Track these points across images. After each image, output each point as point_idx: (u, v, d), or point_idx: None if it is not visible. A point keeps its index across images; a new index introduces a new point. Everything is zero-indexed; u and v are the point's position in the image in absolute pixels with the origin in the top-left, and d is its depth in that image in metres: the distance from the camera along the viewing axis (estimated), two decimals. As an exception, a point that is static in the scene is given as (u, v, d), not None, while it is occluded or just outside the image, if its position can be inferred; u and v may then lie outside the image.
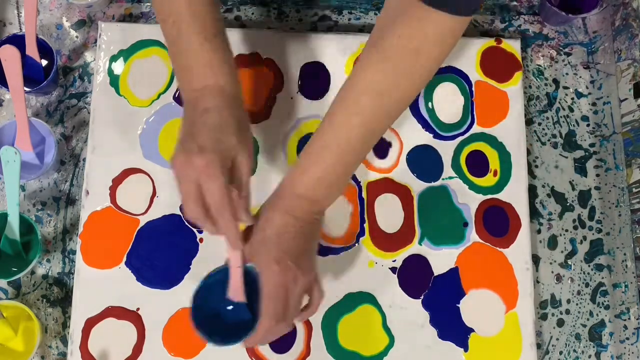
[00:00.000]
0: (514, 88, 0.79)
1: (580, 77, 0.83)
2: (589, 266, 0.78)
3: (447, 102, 0.79)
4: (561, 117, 0.82)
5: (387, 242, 0.74)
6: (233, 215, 0.57)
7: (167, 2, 0.61)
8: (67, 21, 0.82)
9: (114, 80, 0.77)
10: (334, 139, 0.61)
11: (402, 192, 0.76)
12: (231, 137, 0.58)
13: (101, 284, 0.72)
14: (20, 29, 0.82)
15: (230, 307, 0.61)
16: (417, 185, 0.76)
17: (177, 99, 0.77)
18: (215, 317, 0.61)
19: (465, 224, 0.75)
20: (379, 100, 0.60)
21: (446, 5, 0.56)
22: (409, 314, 0.73)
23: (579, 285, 0.77)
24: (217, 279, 0.61)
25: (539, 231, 0.78)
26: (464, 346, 0.72)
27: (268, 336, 0.60)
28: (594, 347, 0.76)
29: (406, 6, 0.57)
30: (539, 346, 0.75)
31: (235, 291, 0.60)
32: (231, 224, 0.57)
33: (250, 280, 0.60)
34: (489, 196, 0.76)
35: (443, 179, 0.77)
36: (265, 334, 0.59)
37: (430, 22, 0.57)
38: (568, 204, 0.80)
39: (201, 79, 0.60)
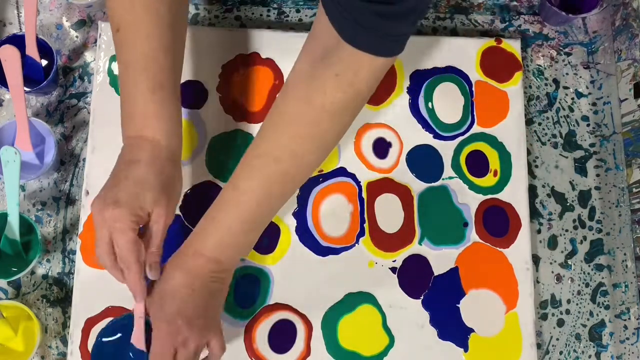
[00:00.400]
0: (514, 88, 0.79)
1: (580, 77, 0.83)
2: (589, 266, 0.78)
3: (447, 102, 0.79)
4: (561, 117, 0.82)
5: (387, 242, 0.74)
6: (139, 269, 0.58)
7: (125, 43, 0.61)
8: (67, 21, 0.82)
9: (114, 80, 0.77)
10: (234, 200, 0.62)
11: (402, 192, 0.76)
12: (150, 192, 0.59)
13: (101, 284, 0.72)
14: (20, 29, 0.82)
15: (132, 354, 0.62)
16: (417, 185, 0.76)
17: (177, 99, 0.77)
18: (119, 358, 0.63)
19: (465, 224, 0.75)
20: (275, 165, 0.61)
21: (373, 48, 0.56)
22: (409, 314, 0.73)
23: (579, 285, 0.77)
24: (124, 324, 0.63)
25: (539, 231, 0.78)
26: (464, 346, 0.72)
27: None
28: (594, 347, 0.76)
29: (335, 45, 0.57)
30: (539, 346, 0.75)
31: (137, 339, 0.62)
32: (136, 277, 0.58)
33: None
34: (489, 196, 0.76)
35: (443, 179, 0.77)
36: None
37: (363, 63, 0.57)
38: (568, 204, 0.80)
39: (138, 128, 0.61)
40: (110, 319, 0.66)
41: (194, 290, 0.60)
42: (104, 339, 0.64)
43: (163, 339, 0.59)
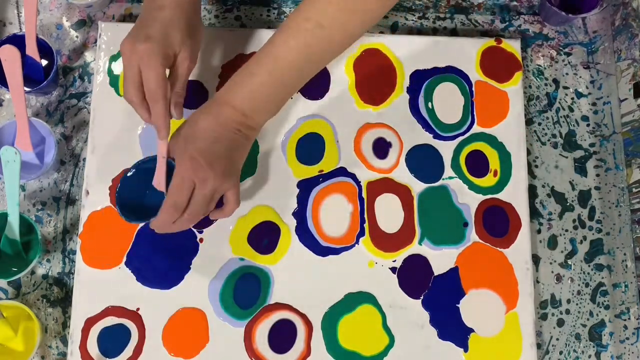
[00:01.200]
0: (514, 88, 0.79)
1: (580, 77, 0.83)
2: (589, 266, 0.78)
3: (447, 102, 0.79)
4: (561, 117, 0.82)
5: (387, 242, 0.74)
6: (166, 104, 0.62)
7: None
8: (67, 21, 0.82)
9: (114, 80, 0.77)
10: (271, 56, 0.64)
11: (402, 192, 0.76)
12: (178, 33, 0.63)
13: (101, 283, 0.72)
14: (20, 29, 0.82)
15: (153, 196, 0.65)
16: (417, 185, 0.76)
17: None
18: (139, 200, 0.66)
19: (465, 224, 0.75)
20: (319, 31, 0.62)
21: None
22: (409, 314, 0.73)
23: (579, 285, 0.77)
24: (147, 167, 0.65)
25: (539, 231, 0.78)
26: (464, 346, 0.72)
27: (169, 225, 0.63)
28: (594, 347, 0.76)
29: None
30: (539, 346, 0.75)
31: (159, 180, 0.64)
32: (162, 113, 0.62)
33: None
34: (489, 196, 0.76)
35: (443, 179, 0.77)
36: (164, 221, 0.62)
37: None
38: (568, 204, 0.80)
39: None
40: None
41: (218, 137, 0.63)
42: (128, 175, 0.66)
43: (184, 173, 0.62)
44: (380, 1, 0.63)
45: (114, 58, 0.78)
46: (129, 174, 0.66)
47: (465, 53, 0.80)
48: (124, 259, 0.72)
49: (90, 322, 0.71)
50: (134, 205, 0.65)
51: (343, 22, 0.63)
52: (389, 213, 0.75)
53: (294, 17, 0.64)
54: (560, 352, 0.76)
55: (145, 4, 0.65)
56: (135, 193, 0.66)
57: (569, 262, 0.78)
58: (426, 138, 0.78)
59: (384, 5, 0.64)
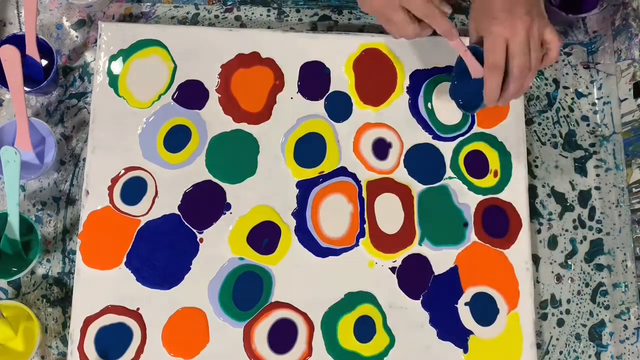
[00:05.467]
0: (514, 88, 0.79)
1: (580, 77, 0.83)
2: (589, 266, 0.78)
3: (448, 102, 0.79)
4: (561, 117, 0.82)
5: (387, 243, 0.74)
6: (442, 13, 0.64)
7: None
8: (67, 21, 0.82)
9: (114, 80, 0.77)
10: None
11: (402, 192, 0.76)
12: None
13: (101, 283, 0.72)
14: (20, 29, 0.82)
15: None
16: (417, 186, 0.76)
17: (177, 99, 0.77)
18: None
19: (466, 224, 0.75)
20: None
21: None
22: (409, 314, 0.73)
23: (579, 285, 0.77)
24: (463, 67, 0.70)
25: (539, 231, 0.78)
26: (464, 346, 0.72)
27: (497, 86, 0.65)
28: (594, 347, 0.76)
29: None
30: (539, 346, 0.75)
31: (475, 70, 0.68)
32: (443, 20, 0.64)
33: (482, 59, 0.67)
34: (489, 196, 0.76)
35: (443, 179, 0.77)
36: (491, 86, 0.65)
37: None
38: (568, 204, 0.80)
39: None
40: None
41: None
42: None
43: (491, 32, 0.64)
44: None
45: (113, 58, 0.78)
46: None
47: (465, 53, 0.80)
48: (124, 259, 0.72)
49: (90, 322, 0.71)
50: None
51: None
52: (389, 213, 0.75)
53: None
54: (560, 352, 0.76)
55: None
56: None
57: (569, 262, 0.78)
58: (426, 138, 0.78)
59: None
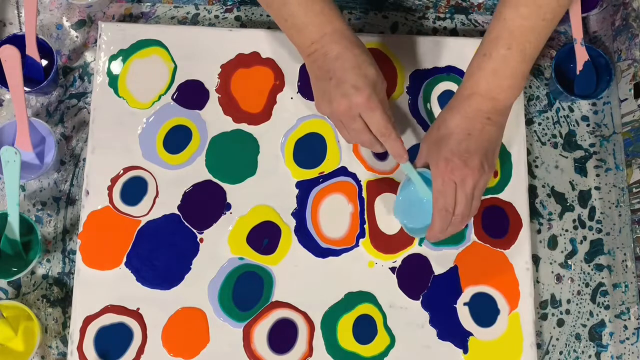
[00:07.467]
0: (514, 88, 0.79)
1: (581, 77, 0.83)
2: (589, 266, 0.78)
3: (447, 102, 0.78)
4: (561, 117, 0.82)
5: (387, 244, 0.74)
6: (397, 133, 0.65)
7: None
8: (67, 21, 0.82)
9: (114, 81, 0.77)
10: (505, 30, 0.63)
11: (402, 192, 0.76)
12: (371, 69, 0.64)
13: (101, 283, 0.72)
14: (20, 29, 0.82)
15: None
16: (417, 185, 0.76)
17: (177, 99, 0.77)
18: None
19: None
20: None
21: None
22: (409, 314, 0.73)
23: (579, 285, 0.77)
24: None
25: (539, 231, 0.78)
26: (464, 347, 0.72)
27: (443, 229, 0.65)
28: (594, 347, 0.76)
29: None
30: (539, 346, 0.75)
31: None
32: (398, 142, 0.65)
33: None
34: (489, 196, 0.76)
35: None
36: (440, 226, 0.65)
37: None
38: (568, 204, 0.80)
39: (318, 29, 0.64)
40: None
41: (469, 133, 0.64)
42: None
43: (442, 175, 0.63)
44: None
45: (113, 58, 0.78)
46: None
47: (465, 53, 0.80)
48: (124, 259, 0.72)
49: (90, 322, 0.71)
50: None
51: None
52: (390, 213, 0.75)
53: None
54: (560, 352, 0.76)
55: (312, 64, 0.66)
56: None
57: (569, 262, 0.78)
58: (426, 138, 0.78)
59: None
